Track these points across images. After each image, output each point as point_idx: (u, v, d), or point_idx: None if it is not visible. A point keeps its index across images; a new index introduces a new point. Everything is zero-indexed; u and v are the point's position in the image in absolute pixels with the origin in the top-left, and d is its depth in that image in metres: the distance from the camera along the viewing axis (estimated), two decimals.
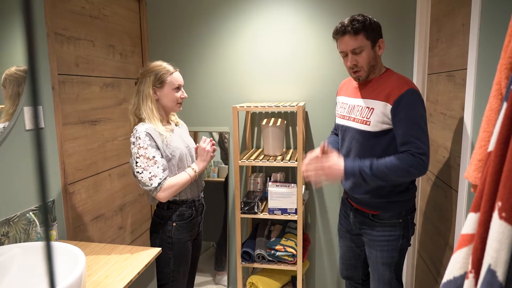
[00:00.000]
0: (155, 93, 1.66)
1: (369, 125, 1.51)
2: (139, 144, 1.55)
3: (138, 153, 1.56)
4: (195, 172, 1.67)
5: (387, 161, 1.44)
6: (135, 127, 1.62)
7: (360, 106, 1.56)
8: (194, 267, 1.91)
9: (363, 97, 1.56)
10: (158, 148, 1.59)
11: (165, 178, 1.58)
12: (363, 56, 1.49)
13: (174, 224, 1.68)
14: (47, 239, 0.30)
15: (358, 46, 1.47)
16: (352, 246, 1.80)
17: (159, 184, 1.56)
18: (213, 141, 1.75)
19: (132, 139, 1.59)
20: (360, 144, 1.57)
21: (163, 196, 1.58)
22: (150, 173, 1.55)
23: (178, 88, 1.70)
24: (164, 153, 1.62)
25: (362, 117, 1.54)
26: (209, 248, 2.81)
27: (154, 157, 1.56)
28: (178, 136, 1.73)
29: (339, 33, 1.50)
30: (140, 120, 1.66)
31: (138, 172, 1.56)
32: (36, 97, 0.30)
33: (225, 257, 2.63)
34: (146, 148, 1.55)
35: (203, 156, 1.71)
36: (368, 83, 1.57)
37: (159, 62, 1.69)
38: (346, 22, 1.48)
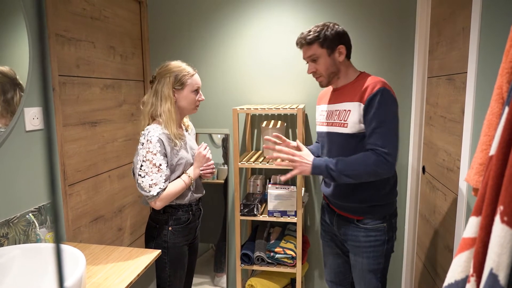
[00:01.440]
0: (174, 94, 1.63)
1: (346, 127, 1.54)
2: (148, 148, 1.53)
3: (145, 156, 1.54)
4: (190, 178, 1.66)
5: (352, 158, 1.48)
6: (147, 127, 1.59)
7: (338, 110, 1.60)
8: (191, 270, 1.90)
9: (339, 101, 1.60)
10: (166, 155, 1.58)
11: (165, 189, 1.57)
12: (320, 63, 1.57)
13: (170, 228, 1.66)
14: (57, 240, 0.30)
15: (313, 53, 1.56)
16: (339, 252, 1.78)
17: (158, 193, 1.55)
18: (214, 168, 1.75)
19: (142, 140, 1.56)
20: (339, 147, 1.58)
21: (159, 205, 1.58)
22: (152, 180, 1.54)
23: (197, 91, 1.69)
24: (170, 161, 1.60)
25: (340, 120, 1.57)
26: (208, 250, 2.81)
27: (160, 165, 1.54)
28: (185, 145, 1.72)
29: (297, 45, 1.61)
30: (154, 121, 1.63)
31: (140, 175, 1.55)
32: (47, 99, 0.30)
33: (224, 259, 2.62)
34: (155, 154, 1.54)
35: (199, 162, 1.69)
36: (343, 88, 1.61)
37: (178, 63, 1.66)
38: (302, 34, 1.58)
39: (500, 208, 0.62)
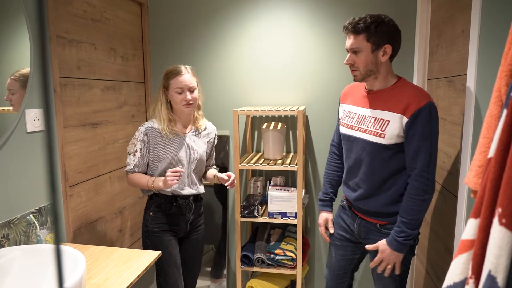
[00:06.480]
0: (165, 95, 1.76)
1: (383, 137, 1.46)
2: (135, 135, 1.75)
3: (132, 140, 1.76)
4: (152, 184, 1.69)
5: (406, 212, 1.45)
6: (145, 122, 1.78)
7: (373, 117, 1.51)
8: (190, 266, 1.92)
9: (376, 107, 1.51)
10: (149, 147, 1.73)
11: (132, 172, 1.75)
12: (360, 58, 1.47)
13: (151, 213, 1.79)
14: (58, 241, 0.30)
15: (357, 46, 1.46)
16: (347, 254, 1.74)
17: (127, 171, 1.77)
18: (181, 171, 1.66)
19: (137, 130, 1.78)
20: (371, 156, 1.52)
21: (127, 181, 1.79)
22: (128, 159, 1.76)
23: (181, 92, 1.73)
24: (155, 153, 1.74)
25: (375, 129, 1.49)
26: (209, 251, 2.81)
27: (136, 151, 1.74)
28: (182, 144, 1.78)
29: (343, 30, 1.51)
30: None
31: (127, 152, 1.77)
32: (48, 101, 0.31)
33: (224, 261, 2.62)
34: (138, 141, 1.73)
35: (164, 178, 1.65)
36: (379, 93, 1.52)
37: (175, 65, 1.78)
38: (352, 20, 1.47)
39: (499, 210, 0.62)
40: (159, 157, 1.74)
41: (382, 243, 1.52)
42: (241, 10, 2.43)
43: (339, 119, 1.73)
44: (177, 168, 1.64)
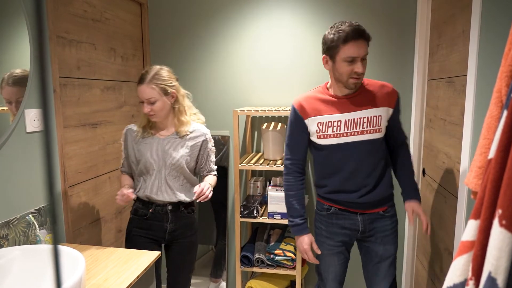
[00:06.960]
0: None
1: (380, 132, 1.58)
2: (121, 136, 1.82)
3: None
4: (121, 187, 1.68)
5: (410, 169, 1.71)
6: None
7: (365, 117, 1.55)
8: (175, 276, 1.83)
9: (363, 108, 1.56)
10: (127, 148, 1.77)
11: (121, 171, 1.83)
12: (364, 63, 1.50)
13: (130, 215, 1.81)
14: (56, 242, 0.30)
15: (367, 53, 1.50)
16: (347, 256, 1.73)
17: (120, 169, 1.85)
18: (130, 196, 1.62)
19: None
20: (371, 153, 1.59)
21: None
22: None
23: (142, 101, 1.66)
24: (134, 153, 1.75)
25: (373, 127, 1.56)
26: (208, 252, 2.81)
27: (122, 150, 1.81)
28: (155, 146, 1.70)
29: (355, 36, 1.43)
30: None
31: None
32: (45, 101, 0.31)
33: (224, 261, 2.62)
34: (122, 142, 1.80)
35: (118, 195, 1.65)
36: (357, 95, 1.57)
37: (147, 68, 1.72)
38: (358, 27, 1.46)
39: (499, 211, 0.62)
40: (136, 158, 1.73)
41: (413, 205, 1.66)
42: (241, 10, 2.43)
43: (309, 134, 1.61)
44: (127, 192, 1.60)
